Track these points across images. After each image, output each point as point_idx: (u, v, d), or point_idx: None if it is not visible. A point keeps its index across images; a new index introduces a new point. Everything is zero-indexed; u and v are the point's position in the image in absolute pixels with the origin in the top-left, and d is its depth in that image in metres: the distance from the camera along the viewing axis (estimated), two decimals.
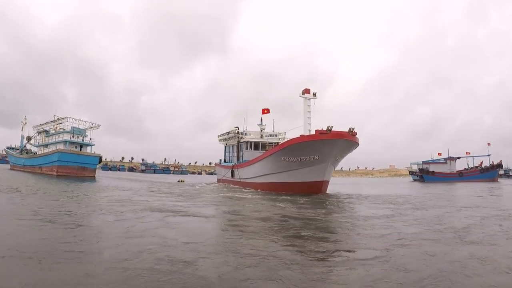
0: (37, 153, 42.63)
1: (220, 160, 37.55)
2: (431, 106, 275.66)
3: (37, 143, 44.52)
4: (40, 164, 38.39)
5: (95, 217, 8.61)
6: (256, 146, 28.68)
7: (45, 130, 42.27)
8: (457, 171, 57.42)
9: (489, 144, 58.63)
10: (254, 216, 10.05)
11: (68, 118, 38.46)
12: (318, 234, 7.11)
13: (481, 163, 57.97)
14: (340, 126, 19.76)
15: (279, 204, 13.21)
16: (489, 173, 54.05)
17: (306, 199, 15.97)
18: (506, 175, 71.23)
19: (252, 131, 30.95)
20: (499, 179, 56.50)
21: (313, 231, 7.47)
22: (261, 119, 30.86)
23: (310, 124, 22.12)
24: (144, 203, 11.90)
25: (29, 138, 47.32)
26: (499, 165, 55.82)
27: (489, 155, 57.05)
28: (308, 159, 20.36)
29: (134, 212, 9.52)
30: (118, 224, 7.57)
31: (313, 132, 20.54)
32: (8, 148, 54.83)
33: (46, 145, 40.57)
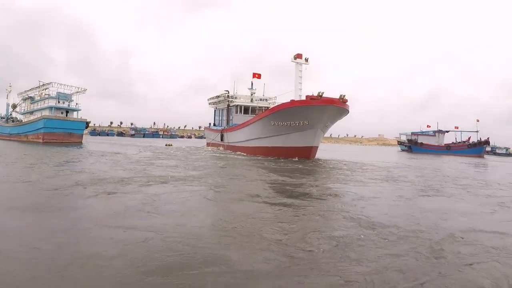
0: (23, 121, 41.70)
1: (210, 123, 37.14)
2: (430, 81, 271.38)
3: (22, 111, 43.45)
4: (26, 132, 37.60)
5: None
6: (246, 110, 28.29)
7: (30, 97, 40.98)
8: (445, 144, 58.13)
9: (478, 120, 58.83)
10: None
11: (53, 83, 37.31)
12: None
13: (469, 138, 58.59)
14: (335, 94, 19.61)
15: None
16: (476, 148, 54.70)
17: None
18: (493, 152, 72.28)
19: (242, 95, 30.47)
20: (485, 156, 57.36)
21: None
22: (252, 83, 30.31)
23: (301, 89, 21.83)
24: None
25: (14, 106, 45.92)
26: (487, 142, 56.36)
27: (477, 131, 57.50)
28: (297, 124, 20.19)
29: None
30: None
31: (303, 98, 20.30)
32: None
33: (31, 112, 39.56)
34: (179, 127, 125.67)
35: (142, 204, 6.00)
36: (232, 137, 27.00)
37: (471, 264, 3.74)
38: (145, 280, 3.02)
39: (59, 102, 36.55)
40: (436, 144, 57.41)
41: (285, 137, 21.03)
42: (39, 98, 38.82)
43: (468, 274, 3.47)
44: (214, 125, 35.31)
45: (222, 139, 29.50)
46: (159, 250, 3.73)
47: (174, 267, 3.32)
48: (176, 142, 50.95)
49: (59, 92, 37.11)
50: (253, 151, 23.20)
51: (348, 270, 3.42)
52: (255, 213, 5.82)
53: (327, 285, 3.10)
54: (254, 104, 29.03)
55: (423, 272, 3.44)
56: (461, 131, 59.80)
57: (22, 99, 43.58)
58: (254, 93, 30.52)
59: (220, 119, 33.38)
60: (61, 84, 37.73)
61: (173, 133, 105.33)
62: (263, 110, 25.46)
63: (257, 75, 28.10)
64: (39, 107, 38.13)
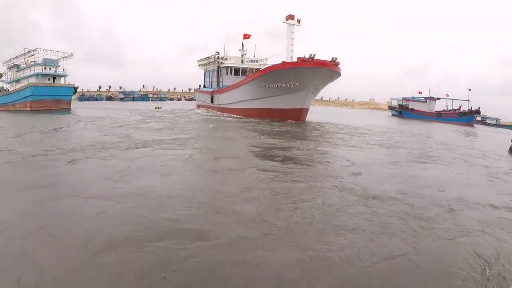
0: (10, 90, 40.54)
1: (200, 85, 36.26)
2: (424, 47, 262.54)
3: (8, 80, 42.12)
4: (13, 101, 36.78)
5: None
6: (236, 71, 27.47)
7: (16, 65, 39.69)
8: (435, 111, 58.13)
9: (470, 89, 58.43)
10: None
11: (39, 50, 36.35)
12: None
13: (460, 106, 58.49)
14: (327, 56, 19.13)
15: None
16: (467, 117, 54.55)
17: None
18: (483, 122, 72.53)
19: (232, 57, 29.44)
20: (475, 125, 57.60)
21: None
22: (242, 44, 29.14)
23: (292, 51, 21.18)
24: None
25: (0, 75, 44.44)
26: (477, 111, 56.09)
27: (468, 100, 57.23)
28: (288, 86, 19.78)
29: None
30: None
31: (295, 59, 19.73)
32: None
33: (18, 81, 38.56)
34: (169, 90, 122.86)
35: (116, 172, 5.71)
36: (222, 99, 26.46)
37: (460, 237, 3.57)
38: (82, 259, 2.79)
39: (45, 68, 35.76)
40: (427, 110, 57.40)
41: (276, 98, 20.66)
42: (25, 65, 37.80)
43: (450, 249, 3.30)
44: (204, 87, 34.46)
45: (212, 101, 28.92)
46: (112, 224, 3.46)
47: (121, 242, 3.06)
48: (165, 105, 49.95)
49: (45, 58, 36.21)
50: (243, 113, 22.84)
51: (322, 243, 3.21)
52: (234, 179, 5.59)
53: (293, 260, 2.90)
54: (245, 65, 28.17)
55: (399, 248, 3.24)
56: (452, 99, 59.53)
57: (7, 68, 42.40)
58: (245, 54, 29.51)
59: (210, 80, 32.53)
60: (47, 50, 36.91)
61: (162, 95, 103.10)
62: (254, 72, 24.78)
63: (247, 36, 27.23)
64: (25, 74, 37.23)
